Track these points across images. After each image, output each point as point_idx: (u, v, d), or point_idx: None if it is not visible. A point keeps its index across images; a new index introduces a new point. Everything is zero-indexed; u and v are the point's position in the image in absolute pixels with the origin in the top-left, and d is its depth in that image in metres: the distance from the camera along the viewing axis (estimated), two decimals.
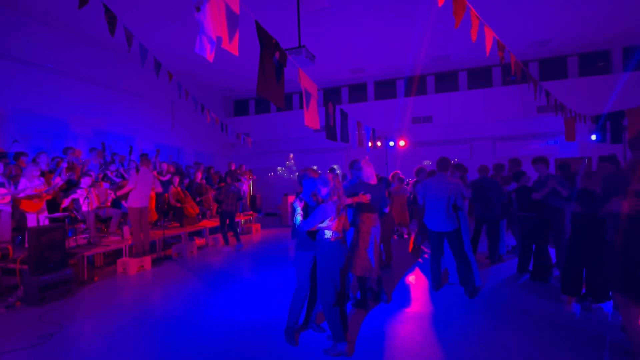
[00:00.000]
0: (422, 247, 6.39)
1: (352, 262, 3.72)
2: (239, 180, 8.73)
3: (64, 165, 6.10)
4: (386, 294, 4.06)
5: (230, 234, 7.40)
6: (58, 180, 5.64)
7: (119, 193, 5.91)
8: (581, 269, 3.66)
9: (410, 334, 3.21)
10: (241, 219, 9.11)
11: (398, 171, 6.90)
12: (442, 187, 4.07)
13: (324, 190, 2.85)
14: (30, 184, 5.26)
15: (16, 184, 5.27)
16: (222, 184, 9.80)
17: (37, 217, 5.37)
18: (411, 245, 6.35)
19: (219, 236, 7.80)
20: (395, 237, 7.96)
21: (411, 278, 4.94)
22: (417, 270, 5.32)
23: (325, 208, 2.80)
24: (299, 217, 2.93)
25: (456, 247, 4.10)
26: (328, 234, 2.83)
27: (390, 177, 6.66)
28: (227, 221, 7.14)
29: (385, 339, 3.13)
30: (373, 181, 3.90)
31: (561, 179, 4.52)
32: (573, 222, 3.78)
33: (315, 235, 2.94)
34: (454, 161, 10.75)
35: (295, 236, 3.19)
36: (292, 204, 3.07)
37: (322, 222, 2.82)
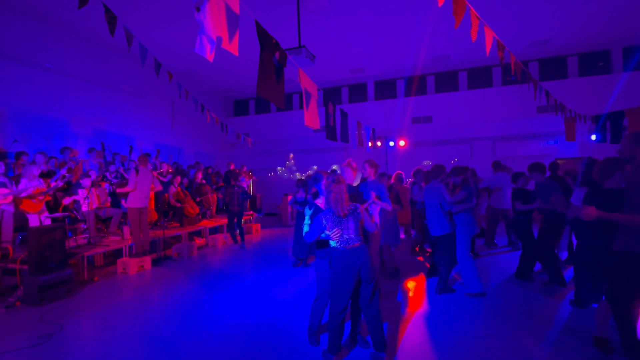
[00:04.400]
0: (424, 246, 6.38)
1: None
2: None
3: (63, 171, 6.07)
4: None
5: (236, 233, 7.48)
6: (58, 182, 5.65)
7: (119, 190, 5.93)
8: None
9: (411, 334, 3.22)
10: (242, 218, 9.09)
11: (401, 172, 6.93)
12: (432, 194, 4.39)
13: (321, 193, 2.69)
14: (31, 183, 5.27)
15: (17, 184, 5.28)
16: (222, 184, 9.84)
17: (38, 217, 5.38)
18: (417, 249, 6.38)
19: (219, 236, 7.81)
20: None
21: (411, 278, 4.94)
22: (417, 269, 5.32)
23: (320, 219, 2.62)
24: (306, 227, 2.72)
25: (445, 250, 4.32)
26: (333, 243, 2.67)
27: (393, 178, 6.71)
28: (235, 220, 7.33)
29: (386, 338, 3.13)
30: (349, 183, 3.86)
31: (561, 196, 4.35)
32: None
33: (328, 242, 2.77)
34: (454, 161, 10.77)
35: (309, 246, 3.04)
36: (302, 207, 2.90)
37: (322, 233, 2.66)
